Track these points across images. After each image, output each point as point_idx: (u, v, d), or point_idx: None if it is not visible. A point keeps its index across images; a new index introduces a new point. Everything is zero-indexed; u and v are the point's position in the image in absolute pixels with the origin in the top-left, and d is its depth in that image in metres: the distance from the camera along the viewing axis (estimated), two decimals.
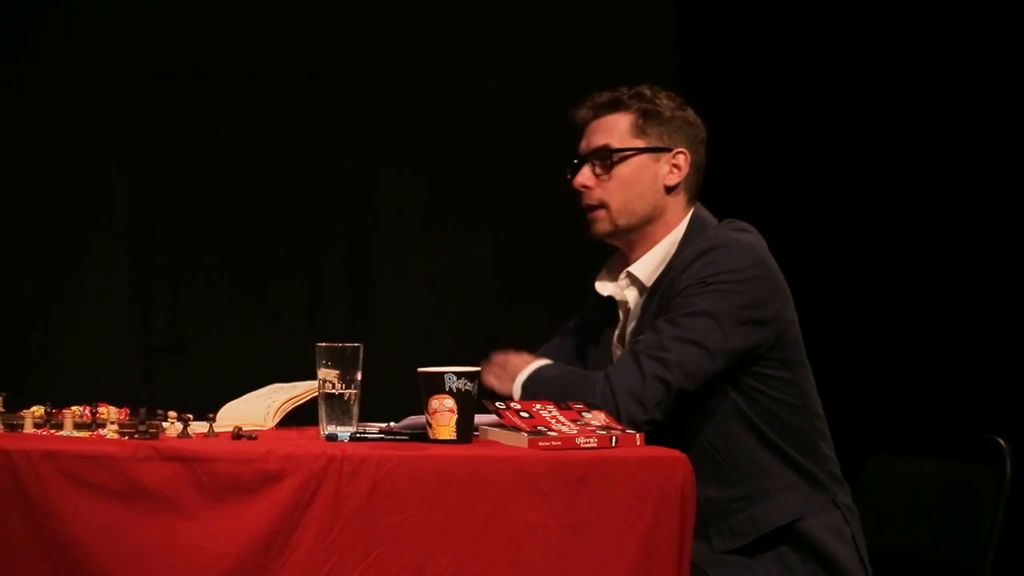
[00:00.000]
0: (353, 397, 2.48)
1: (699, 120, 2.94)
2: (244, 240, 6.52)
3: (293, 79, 6.62)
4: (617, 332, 2.92)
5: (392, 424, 2.65)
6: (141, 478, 2.21)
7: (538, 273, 6.35)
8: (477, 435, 2.49)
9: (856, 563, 2.77)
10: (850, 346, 5.07)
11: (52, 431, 2.47)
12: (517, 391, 2.75)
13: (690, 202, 2.92)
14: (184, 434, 2.42)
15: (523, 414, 2.46)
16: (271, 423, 2.70)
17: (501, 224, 6.49)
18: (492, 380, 2.81)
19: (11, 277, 6.35)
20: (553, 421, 2.45)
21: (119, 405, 2.59)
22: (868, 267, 5.22)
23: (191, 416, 2.47)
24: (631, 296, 2.90)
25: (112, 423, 2.44)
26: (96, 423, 2.47)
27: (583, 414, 2.51)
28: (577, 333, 3.04)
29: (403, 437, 2.43)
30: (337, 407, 2.48)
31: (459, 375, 2.40)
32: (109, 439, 2.38)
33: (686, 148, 2.90)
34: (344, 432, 2.44)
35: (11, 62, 6.34)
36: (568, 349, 3.01)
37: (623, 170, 2.88)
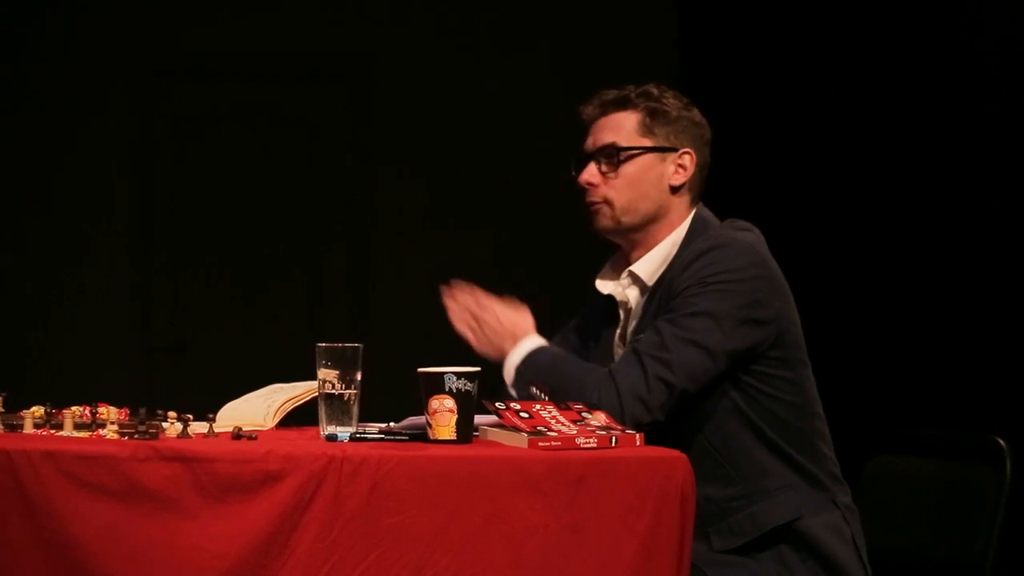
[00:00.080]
0: (353, 397, 2.48)
1: (705, 121, 2.95)
2: (244, 240, 6.52)
3: (293, 79, 6.62)
4: (619, 331, 2.92)
5: (392, 424, 2.64)
6: (141, 478, 2.21)
7: (538, 273, 6.33)
8: (477, 435, 2.49)
9: (856, 563, 2.77)
10: (850, 346, 5.07)
11: (52, 431, 2.46)
12: (510, 375, 2.75)
13: (693, 202, 2.92)
14: (184, 434, 2.42)
15: (523, 414, 2.46)
16: (271, 423, 2.69)
17: (501, 224, 6.48)
18: (466, 331, 2.81)
19: (11, 277, 6.34)
20: (553, 421, 2.45)
21: (119, 405, 2.59)
22: (868, 267, 5.21)
23: (191, 416, 2.47)
24: (632, 295, 2.90)
25: (112, 423, 2.44)
26: (96, 423, 2.47)
27: (583, 414, 2.51)
28: (578, 333, 3.04)
29: (403, 437, 2.42)
30: (337, 407, 2.48)
31: (459, 375, 2.40)
32: (109, 439, 2.38)
33: (692, 148, 2.90)
34: (344, 432, 2.44)
35: (11, 62, 6.34)
36: (570, 350, 3.00)
37: (629, 169, 2.88)
